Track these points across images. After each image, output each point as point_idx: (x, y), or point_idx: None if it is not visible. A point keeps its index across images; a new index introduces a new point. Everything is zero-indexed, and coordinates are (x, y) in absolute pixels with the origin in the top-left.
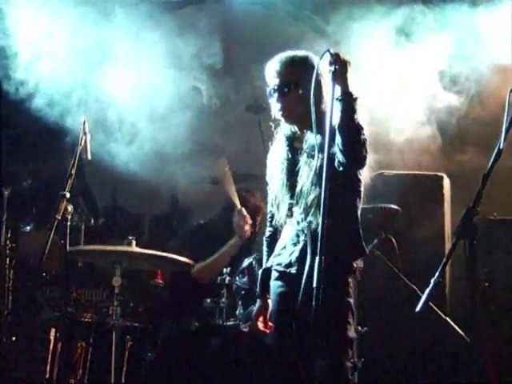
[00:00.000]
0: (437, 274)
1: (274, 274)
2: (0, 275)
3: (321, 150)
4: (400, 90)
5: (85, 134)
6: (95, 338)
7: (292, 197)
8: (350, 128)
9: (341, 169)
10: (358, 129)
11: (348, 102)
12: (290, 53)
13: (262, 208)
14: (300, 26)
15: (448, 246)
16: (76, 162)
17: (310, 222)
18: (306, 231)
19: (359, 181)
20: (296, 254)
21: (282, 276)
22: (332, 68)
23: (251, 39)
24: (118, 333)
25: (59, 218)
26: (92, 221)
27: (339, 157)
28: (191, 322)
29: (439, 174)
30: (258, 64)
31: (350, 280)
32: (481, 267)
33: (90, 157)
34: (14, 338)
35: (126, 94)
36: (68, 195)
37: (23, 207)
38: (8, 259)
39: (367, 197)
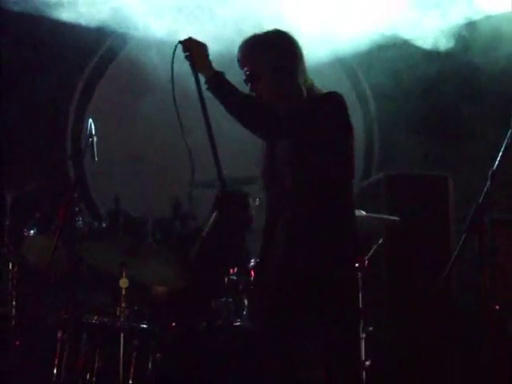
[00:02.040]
0: (448, 267)
1: None
2: (3, 280)
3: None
4: None
5: (91, 135)
6: (102, 339)
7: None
8: (238, 112)
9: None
10: (244, 108)
11: (217, 88)
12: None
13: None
14: None
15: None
16: (83, 164)
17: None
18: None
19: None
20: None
21: None
22: (187, 54)
23: None
24: (126, 334)
25: (66, 220)
26: (96, 224)
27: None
28: (199, 322)
29: (443, 174)
30: None
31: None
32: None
33: (96, 158)
34: (17, 342)
35: None
36: (75, 197)
37: (26, 211)
38: (11, 264)
39: (371, 197)
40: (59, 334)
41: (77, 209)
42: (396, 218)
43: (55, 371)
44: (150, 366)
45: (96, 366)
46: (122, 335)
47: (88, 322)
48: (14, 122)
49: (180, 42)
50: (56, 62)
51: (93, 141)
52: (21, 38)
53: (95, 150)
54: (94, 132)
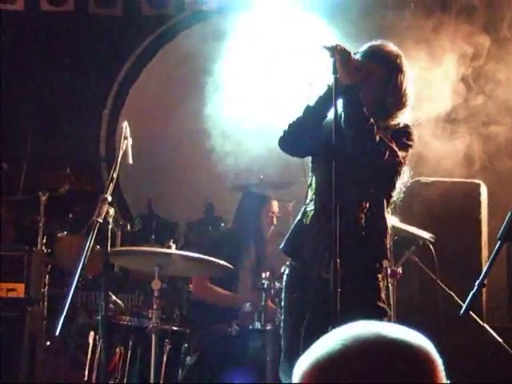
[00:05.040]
0: (481, 277)
1: None
2: (36, 281)
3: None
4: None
5: (126, 138)
6: (134, 341)
7: None
8: (357, 120)
9: (362, 164)
10: (367, 120)
11: (351, 94)
12: None
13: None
14: None
15: (484, 253)
16: (118, 166)
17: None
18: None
19: (388, 180)
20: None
21: None
22: (332, 59)
23: None
24: (157, 336)
25: (100, 221)
26: (128, 227)
27: (352, 150)
28: (230, 326)
29: (476, 181)
30: None
31: (380, 284)
32: None
33: (131, 161)
34: (48, 343)
35: None
36: (110, 198)
37: (60, 213)
38: (44, 264)
39: (403, 204)
40: (91, 335)
41: (110, 211)
42: (428, 237)
43: (86, 372)
44: (181, 368)
45: (127, 367)
46: (153, 337)
47: (120, 324)
48: (48, 124)
49: (324, 47)
50: (91, 64)
51: (127, 143)
52: (57, 39)
53: (130, 152)
54: (128, 135)
